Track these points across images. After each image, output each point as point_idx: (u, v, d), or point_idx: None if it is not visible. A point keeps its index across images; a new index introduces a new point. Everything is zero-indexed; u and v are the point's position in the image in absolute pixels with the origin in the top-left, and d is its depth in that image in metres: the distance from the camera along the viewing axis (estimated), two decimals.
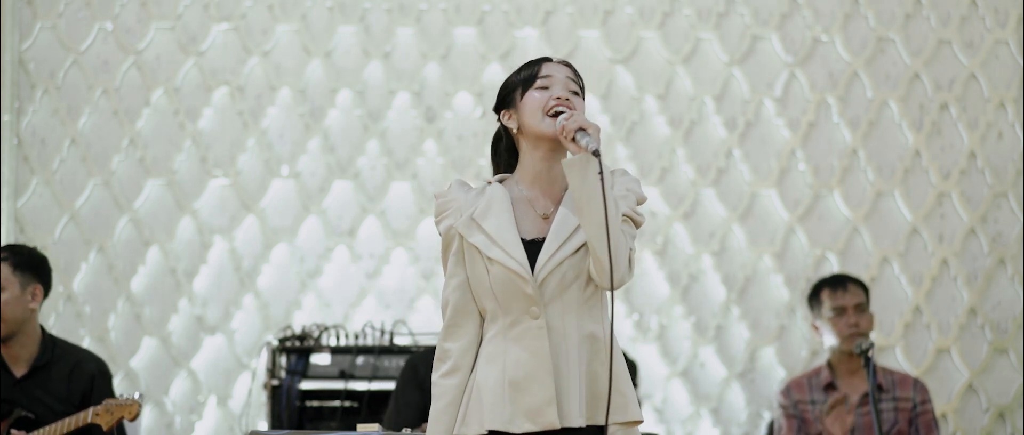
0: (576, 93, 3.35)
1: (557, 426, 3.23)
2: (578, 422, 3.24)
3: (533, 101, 3.34)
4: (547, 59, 3.42)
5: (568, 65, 3.41)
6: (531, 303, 3.26)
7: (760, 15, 6.13)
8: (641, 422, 3.31)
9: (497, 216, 3.30)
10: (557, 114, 3.30)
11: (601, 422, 3.26)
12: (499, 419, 3.26)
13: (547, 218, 3.32)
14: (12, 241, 5.96)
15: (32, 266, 4.87)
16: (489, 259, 3.27)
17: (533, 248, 3.29)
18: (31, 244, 5.93)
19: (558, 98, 3.32)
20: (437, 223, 3.37)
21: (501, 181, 3.39)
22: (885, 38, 6.14)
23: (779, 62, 6.12)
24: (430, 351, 5.04)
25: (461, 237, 3.32)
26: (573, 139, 3.23)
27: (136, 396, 4.60)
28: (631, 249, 3.27)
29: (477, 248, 3.29)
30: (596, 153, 3.16)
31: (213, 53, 6.10)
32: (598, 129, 3.24)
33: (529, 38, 6.10)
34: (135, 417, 4.59)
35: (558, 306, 3.26)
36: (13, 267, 4.81)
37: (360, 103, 6.10)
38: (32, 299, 4.86)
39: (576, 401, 3.24)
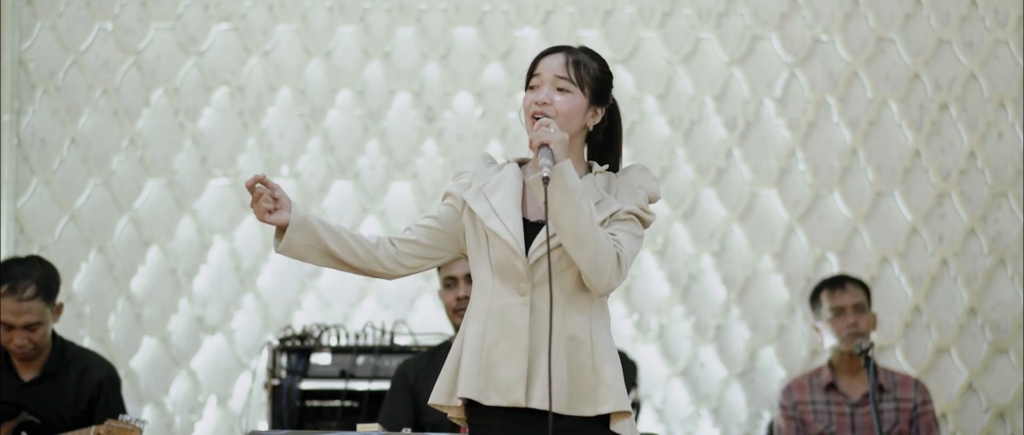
0: (563, 90, 3.35)
1: (522, 405, 3.27)
2: (547, 405, 3.24)
3: (524, 103, 3.39)
4: (551, 50, 3.42)
5: (567, 51, 3.40)
6: (520, 280, 3.30)
7: (760, 15, 6.13)
8: (629, 413, 3.31)
9: (504, 192, 3.35)
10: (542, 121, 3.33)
11: (585, 413, 3.29)
12: (473, 389, 3.30)
13: None
14: (12, 241, 5.95)
15: (56, 288, 4.85)
16: (489, 229, 3.32)
17: (535, 229, 3.33)
18: (31, 245, 5.93)
19: (536, 102, 3.34)
20: (453, 179, 3.43)
21: (524, 162, 3.43)
22: (885, 38, 6.14)
23: (779, 62, 6.12)
24: (419, 357, 5.05)
25: (465, 204, 3.36)
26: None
27: (139, 422, 4.59)
28: (619, 252, 3.28)
29: (480, 218, 3.34)
30: (545, 179, 3.18)
31: (213, 53, 6.10)
32: (563, 141, 3.25)
33: (529, 38, 6.10)
34: None
35: (545, 289, 3.27)
36: (45, 301, 4.80)
37: (360, 103, 6.10)
38: (57, 316, 4.89)
39: (544, 385, 3.24)
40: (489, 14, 6.12)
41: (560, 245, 3.27)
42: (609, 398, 3.28)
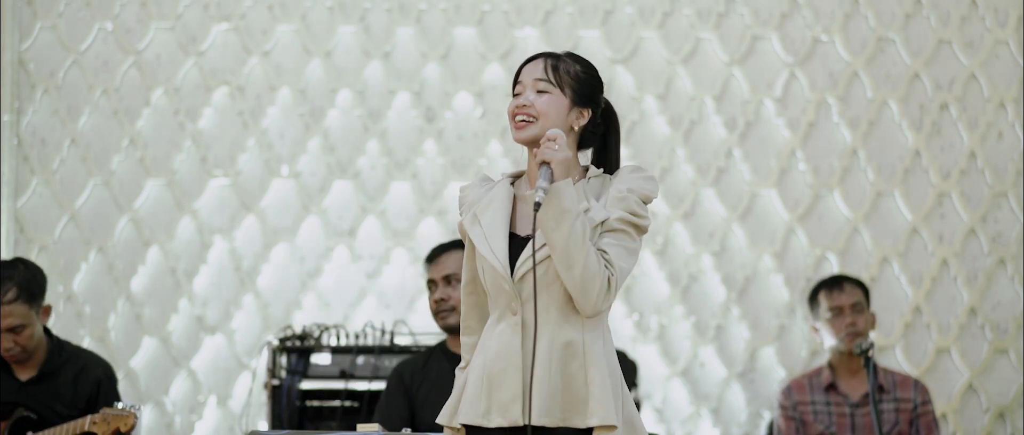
0: (542, 91, 3.37)
1: (519, 423, 3.27)
2: (545, 421, 3.26)
3: (509, 108, 3.41)
4: (528, 60, 3.44)
5: (547, 55, 3.42)
6: (511, 299, 3.31)
7: (760, 15, 6.13)
8: (615, 427, 3.29)
9: (494, 212, 3.37)
10: (523, 122, 3.35)
11: (576, 425, 3.29)
12: (475, 413, 3.32)
13: None
14: (12, 241, 5.95)
15: (40, 290, 4.85)
16: (481, 255, 3.34)
17: (523, 244, 3.33)
18: (31, 245, 5.93)
19: (517, 106, 3.37)
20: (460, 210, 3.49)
21: (519, 175, 3.45)
22: (885, 38, 6.14)
23: (779, 62, 6.12)
24: (415, 358, 5.04)
25: (467, 233, 3.41)
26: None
27: (133, 408, 4.61)
28: (610, 275, 3.27)
29: (473, 243, 3.37)
30: (537, 205, 3.20)
31: (213, 53, 6.10)
32: (565, 161, 3.26)
33: (529, 38, 6.10)
34: (130, 429, 4.60)
35: (536, 304, 3.29)
36: (28, 303, 4.79)
37: (360, 103, 6.10)
38: (45, 317, 4.88)
39: (544, 400, 3.26)
40: (489, 14, 6.12)
41: (547, 258, 3.27)
42: (597, 411, 3.27)
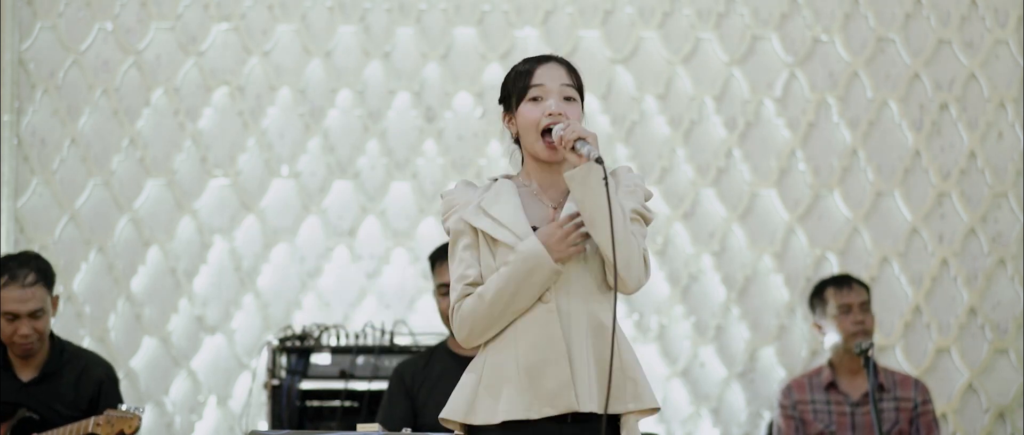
0: (570, 99, 3.32)
1: (575, 409, 3.22)
2: (590, 407, 3.22)
3: (526, 117, 3.32)
4: (543, 60, 3.38)
5: (564, 63, 3.37)
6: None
7: (760, 15, 6.13)
8: (658, 409, 3.30)
9: (505, 203, 3.29)
10: (550, 130, 3.28)
11: (617, 411, 3.27)
12: (517, 409, 3.23)
13: (557, 209, 3.32)
14: (12, 241, 5.95)
15: (53, 278, 4.91)
16: (495, 241, 3.26)
17: None
18: (31, 245, 5.93)
19: (550, 114, 3.29)
20: (444, 221, 3.35)
21: (508, 178, 3.38)
22: (885, 38, 6.14)
23: (779, 62, 6.12)
24: (416, 358, 5.04)
25: (470, 226, 3.29)
26: (573, 149, 3.21)
27: (137, 410, 4.61)
28: (643, 248, 3.26)
29: (484, 231, 3.27)
30: (599, 160, 3.14)
31: (213, 53, 6.10)
32: (595, 136, 3.22)
33: (529, 38, 6.10)
34: (134, 431, 4.60)
35: (566, 290, 3.25)
36: (46, 288, 4.83)
37: (360, 103, 6.10)
38: (54, 308, 4.92)
39: (586, 385, 3.23)
40: (489, 14, 6.12)
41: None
42: (642, 394, 3.29)
